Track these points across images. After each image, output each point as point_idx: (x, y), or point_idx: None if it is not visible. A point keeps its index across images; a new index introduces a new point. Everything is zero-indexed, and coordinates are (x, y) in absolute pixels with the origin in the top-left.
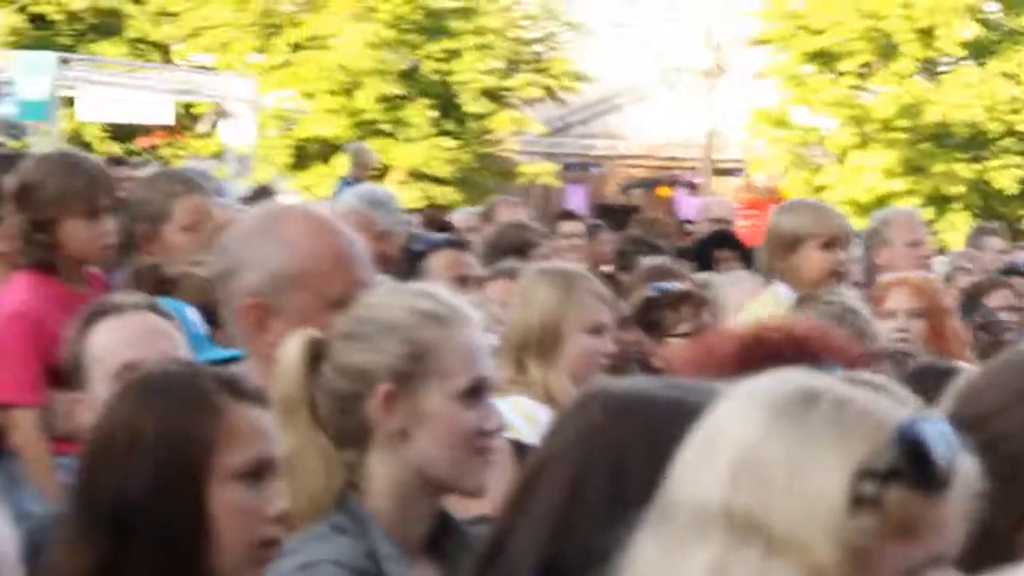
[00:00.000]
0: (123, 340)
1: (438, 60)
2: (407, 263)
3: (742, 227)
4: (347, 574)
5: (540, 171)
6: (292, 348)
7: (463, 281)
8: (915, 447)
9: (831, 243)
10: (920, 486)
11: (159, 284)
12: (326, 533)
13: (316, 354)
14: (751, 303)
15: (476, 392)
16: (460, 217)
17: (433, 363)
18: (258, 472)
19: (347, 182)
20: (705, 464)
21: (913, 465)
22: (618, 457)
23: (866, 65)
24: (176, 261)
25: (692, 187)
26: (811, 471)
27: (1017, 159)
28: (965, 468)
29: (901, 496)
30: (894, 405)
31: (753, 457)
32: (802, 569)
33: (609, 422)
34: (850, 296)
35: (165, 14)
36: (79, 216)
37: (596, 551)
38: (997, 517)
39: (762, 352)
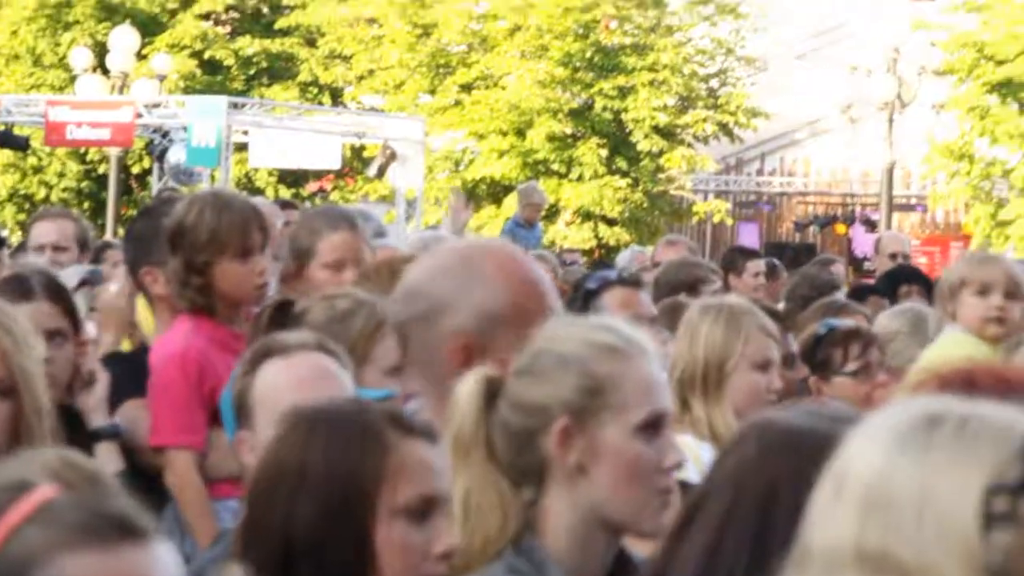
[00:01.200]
0: (290, 382)
1: (610, 98)
2: (581, 301)
3: (922, 264)
4: None
5: (712, 209)
6: (468, 385)
7: (637, 319)
8: None
9: (984, 290)
10: None
11: (281, 319)
12: (502, 574)
13: (493, 391)
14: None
15: (655, 426)
16: (625, 256)
17: (611, 397)
18: (425, 509)
19: (516, 223)
20: (833, 505)
21: None
22: (769, 492)
23: None
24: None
25: (870, 224)
26: (939, 495)
27: None
28: None
29: None
30: (1018, 417)
31: (879, 490)
32: None
33: (762, 456)
34: None
35: (337, 56)
36: (232, 257)
37: None
38: None
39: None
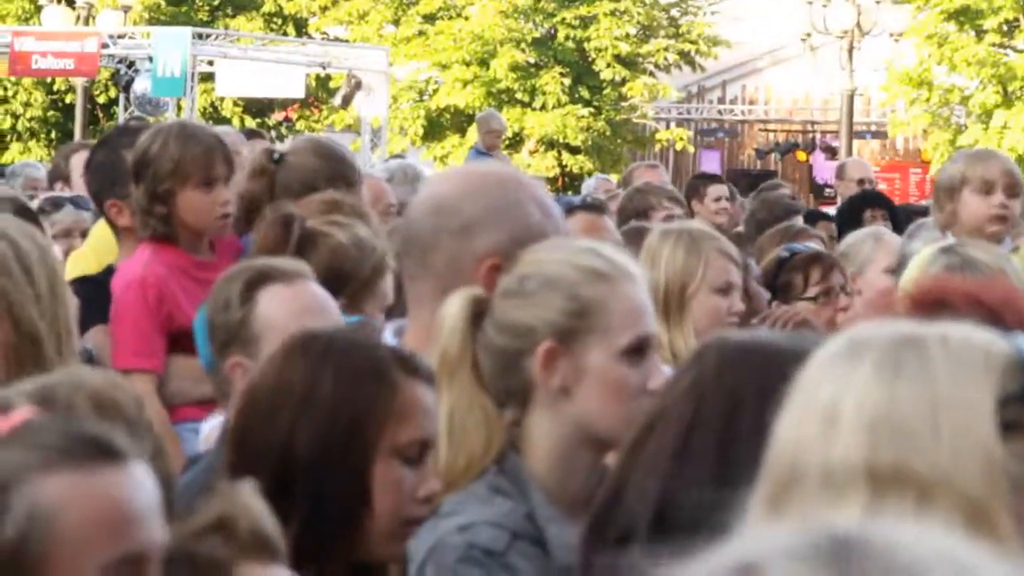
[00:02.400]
0: (296, 309)
1: (573, 27)
2: None
3: (883, 190)
4: (506, 536)
5: (675, 137)
6: (454, 306)
7: None
8: None
9: (988, 188)
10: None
11: (294, 237)
12: (485, 495)
13: (479, 312)
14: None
15: (639, 350)
16: (590, 184)
17: (596, 320)
18: (420, 453)
19: (478, 151)
20: (830, 432)
21: None
22: (731, 404)
23: (1009, 22)
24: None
25: (830, 151)
26: (953, 411)
27: None
28: None
29: None
30: (986, 335)
31: (887, 413)
32: (960, 508)
33: (724, 370)
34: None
35: None
36: (195, 186)
37: (707, 507)
38: None
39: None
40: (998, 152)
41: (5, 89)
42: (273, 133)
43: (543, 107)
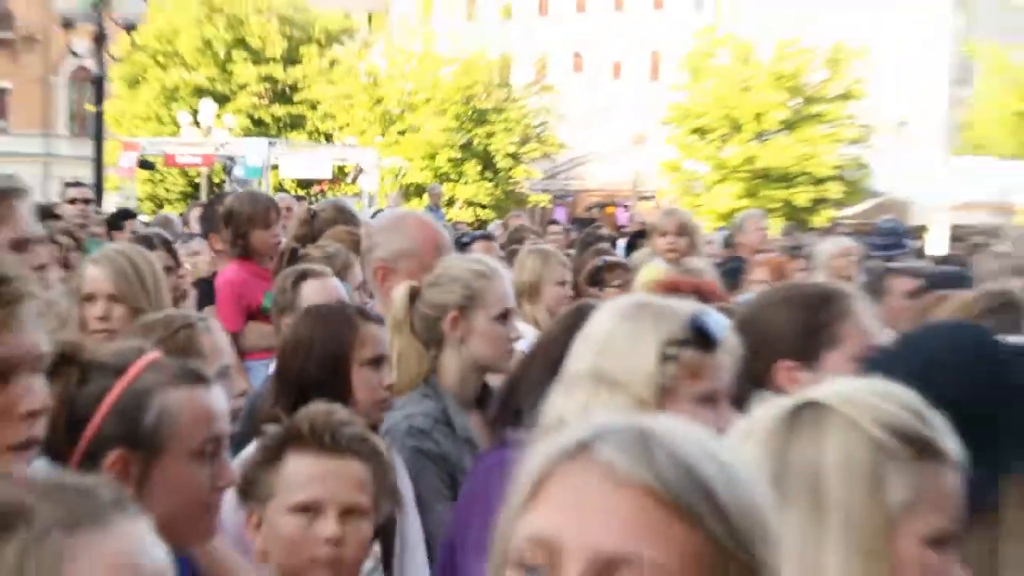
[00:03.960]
0: (325, 293)
1: (482, 138)
2: (460, 248)
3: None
4: (431, 421)
5: (540, 200)
6: (400, 291)
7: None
8: (700, 326)
9: (662, 232)
10: (702, 348)
11: (292, 259)
12: (418, 399)
13: (414, 295)
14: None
15: (505, 316)
16: (492, 226)
17: (480, 300)
18: (379, 361)
19: (430, 208)
20: (583, 348)
21: (698, 335)
22: (564, 343)
23: (724, 135)
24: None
25: (625, 208)
26: (639, 343)
27: (811, 189)
28: (731, 340)
29: (691, 354)
30: (693, 305)
31: (607, 339)
32: (631, 400)
33: (566, 320)
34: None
35: (328, 115)
36: (259, 227)
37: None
38: (751, 370)
39: (681, 291)
40: (678, 209)
41: (162, 175)
42: (313, 199)
43: (466, 183)
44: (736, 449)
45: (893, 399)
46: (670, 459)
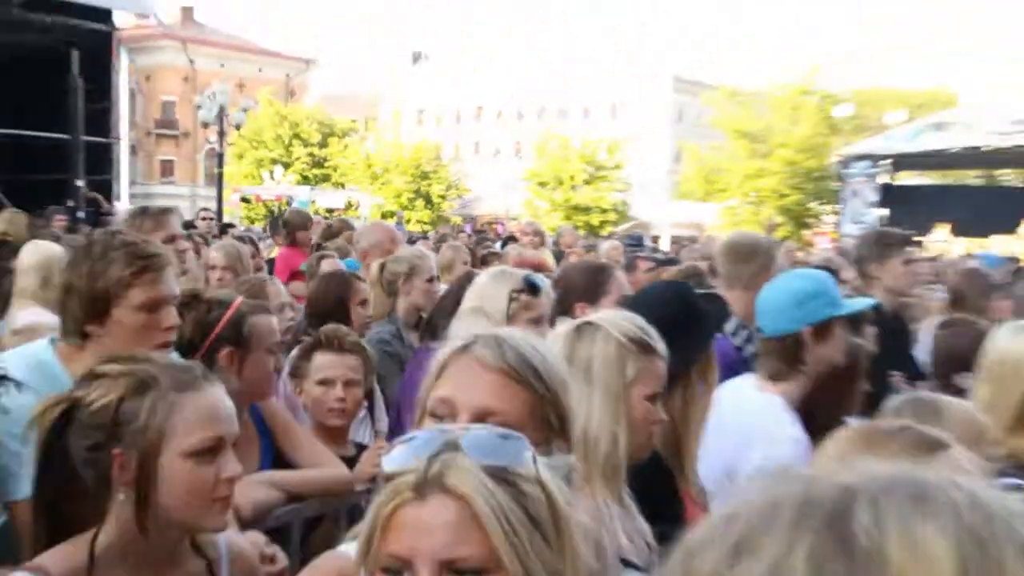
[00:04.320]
0: (334, 267)
1: (425, 187)
2: (409, 243)
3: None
4: (390, 335)
5: (456, 219)
6: (374, 266)
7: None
8: (531, 282)
9: (525, 235)
10: (532, 294)
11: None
12: (384, 323)
13: (382, 268)
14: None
15: (431, 281)
16: (430, 234)
17: (418, 271)
18: (364, 303)
19: (397, 224)
20: (470, 294)
21: (530, 287)
22: (460, 293)
23: (555, 186)
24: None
25: (502, 224)
26: (498, 292)
27: (599, 215)
28: (549, 290)
29: (526, 298)
30: (528, 274)
31: (483, 290)
32: (493, 323)
33: (465, 281)
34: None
35: (343, 175)
36: (301, 230)
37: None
38: (560, 306)
39: (527, 266)
40: (534, 222)
41: (253, 207)
42: (333, 218)
43: (415, 211)
44: (550, 346)
45: (631, 320)
46: (513, 352)
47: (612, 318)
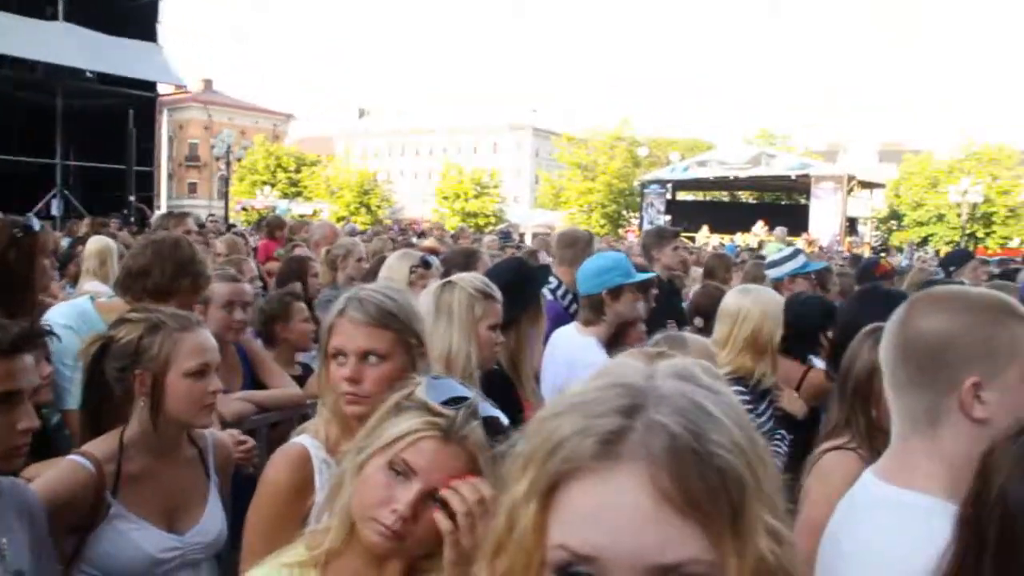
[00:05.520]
0: (300, 252)
1: (366, 200)
2: (350, 235)
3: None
4: (338, 293)
5: (388, 221)
6: (323, 251)
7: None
8: (425, 260)
9: (432, 231)
10: (425, 268)
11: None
12: (330, 288)
13: (327, 252)
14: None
15: (360, 260)
16: (368, 231)
17: (350, 254)
18: (316, 275)
19: (350, 228)
20: (384, 272)
21: (424, 264)
22: (378, 267)
23: (454, 200)
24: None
25: (419, 225)
26: (401, 267)
27: (485, 219)
28: (437, 266)
29: (419, 271)
30: (424, 255)
31: (390, 266)
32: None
33: (382, 260)
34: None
35: (312, 192)
36: (278, 229)
37: None
38: (446, 275)
39: (430, 251)
40: (440, 224)
41: (249, 213)
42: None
43: (359, 216)
44: (402, 291)
45: (477, 278)
46: (373, 306)
47: (465, 277)
